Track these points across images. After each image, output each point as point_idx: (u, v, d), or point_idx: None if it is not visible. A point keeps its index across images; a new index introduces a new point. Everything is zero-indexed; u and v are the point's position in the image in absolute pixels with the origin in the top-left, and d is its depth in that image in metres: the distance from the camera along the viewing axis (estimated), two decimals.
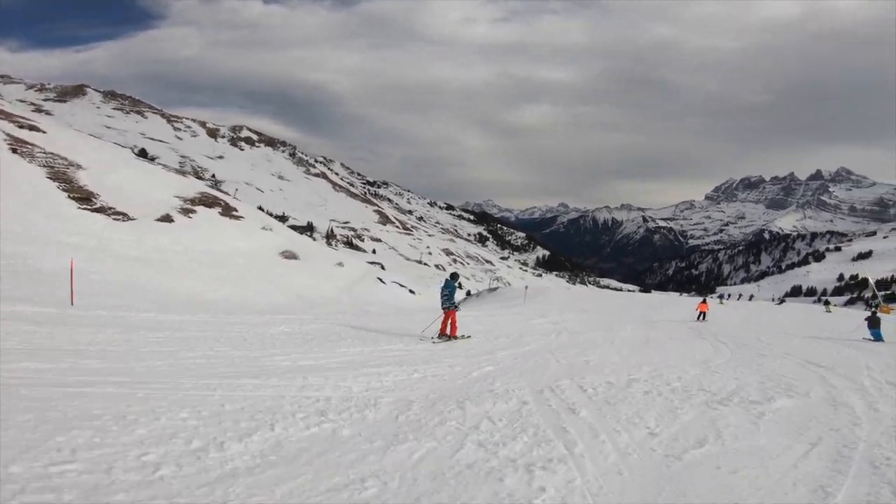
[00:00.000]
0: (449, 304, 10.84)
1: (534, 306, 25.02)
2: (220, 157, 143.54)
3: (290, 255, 23.45)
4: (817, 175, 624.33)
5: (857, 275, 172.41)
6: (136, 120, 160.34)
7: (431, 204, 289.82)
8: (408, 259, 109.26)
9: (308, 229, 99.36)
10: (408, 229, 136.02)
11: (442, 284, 11.30)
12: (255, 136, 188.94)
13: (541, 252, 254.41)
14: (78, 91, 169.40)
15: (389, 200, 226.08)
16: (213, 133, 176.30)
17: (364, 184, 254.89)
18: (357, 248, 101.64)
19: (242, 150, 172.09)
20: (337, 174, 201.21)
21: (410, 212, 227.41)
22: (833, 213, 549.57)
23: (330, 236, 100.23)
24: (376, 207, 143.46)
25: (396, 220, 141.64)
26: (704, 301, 24.48)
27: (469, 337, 11.23)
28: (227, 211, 24.90)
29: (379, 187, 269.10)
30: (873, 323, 17.79)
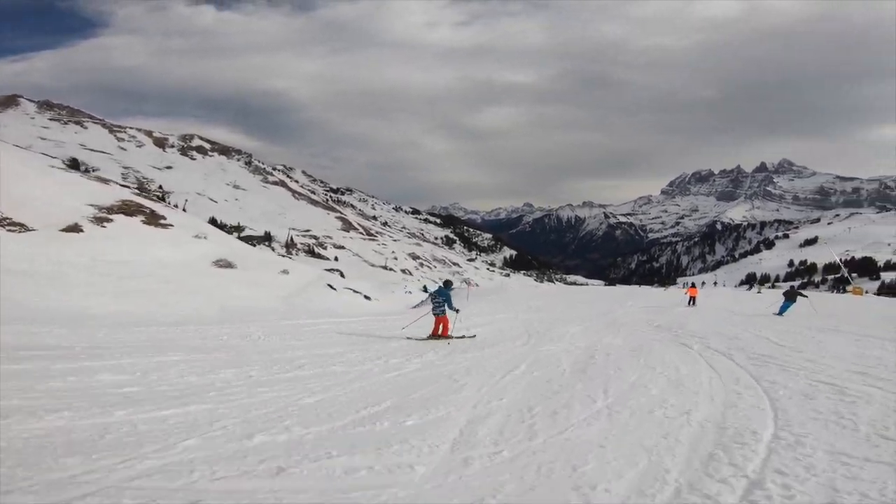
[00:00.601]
0: (440, 312, 10.87)
1: (477, 306, 22.20)
2: (169, 168, 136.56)
3: (224, 264, 21.07)
4: (762, 167, 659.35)
5: (805, 260, 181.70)
6: (76, 131, 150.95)
7: (396, 209, 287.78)
8: (373, 265, 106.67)
9: (266, 239, 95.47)
10: (372, 235, 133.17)
11: (434, 290, 11.37)
12: (207, 145, 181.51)
13: (508, 252, 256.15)
14: (10, 102, 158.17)
15: (353, 207, 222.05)
16: (160, 143, 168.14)
17: (327, 191, 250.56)
18: (319, 256, 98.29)
19: (194, 159, 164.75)
20: (297, 182, 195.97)
21: (375, 217, 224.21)
22: (779, 202, 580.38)
23: (290, 245, 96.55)
24: (339, 214, 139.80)
25: (360, 226, 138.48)
26: (693, 286, 25.12)
27: (474, 336, 10.89)
28: (153, 219, 22.27)
29: (342, 194, 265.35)
30: (789, 296, 18.08)
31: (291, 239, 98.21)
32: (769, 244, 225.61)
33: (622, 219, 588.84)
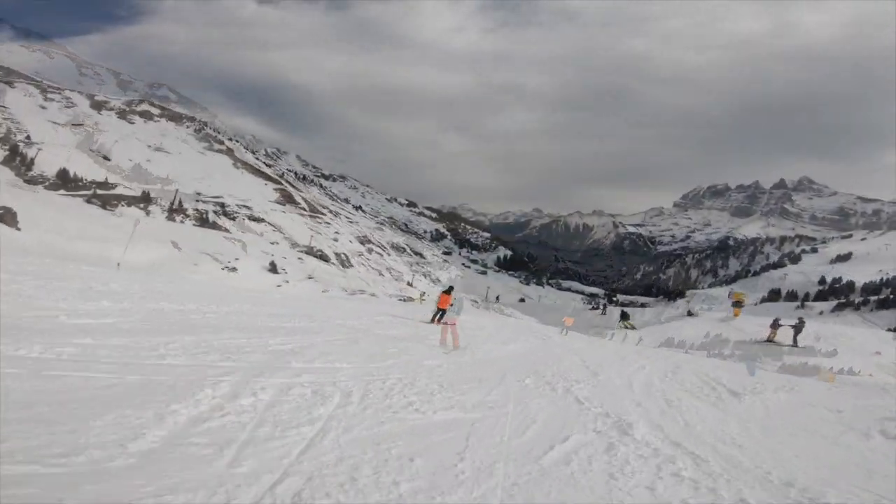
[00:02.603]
0: (451, 314, 10.91)
1: None
2: (76, 126, 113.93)
3: None
4: (781, 184, 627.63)
5: (840, 277, 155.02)
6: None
7: (389, 199, 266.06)
8: (294, 245, 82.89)
9: (144, 200, 72.13)
10: (315, 212, 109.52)
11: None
12: (156, 111, 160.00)
13: (503, 252, 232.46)
14: None
15: (321, 187, 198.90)
16: (98, 105, 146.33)
17: (317, 175, 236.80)
18: (215, 225, 74.67)
19: (132, 123, 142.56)
20: (256, 157, 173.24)
21: (347, 200, 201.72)
22: (795, 221, 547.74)
23: (174, 210, 72.85)
24: (278, 186, 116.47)
25: (305, 201, 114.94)
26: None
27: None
28: None
29: (333, 180, 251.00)
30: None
31: (180, 202, 74.62)
32: (794, 258, 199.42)
33: (631, 229, 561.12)
